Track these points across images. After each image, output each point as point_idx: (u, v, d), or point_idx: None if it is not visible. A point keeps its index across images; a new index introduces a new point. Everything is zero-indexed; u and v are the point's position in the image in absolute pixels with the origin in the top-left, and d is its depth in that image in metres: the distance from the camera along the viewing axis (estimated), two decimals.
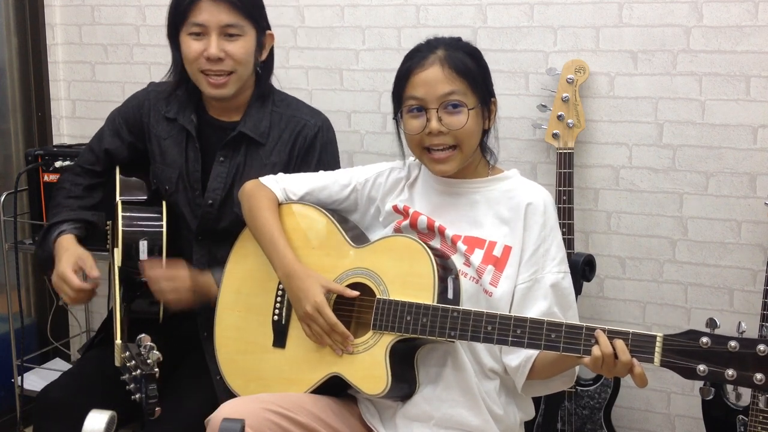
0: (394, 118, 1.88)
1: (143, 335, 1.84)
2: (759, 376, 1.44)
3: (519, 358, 1.75)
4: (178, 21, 2.13)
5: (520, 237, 1.80)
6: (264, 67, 2.21)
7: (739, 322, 1.49)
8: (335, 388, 1.86)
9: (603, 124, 2.54)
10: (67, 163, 2.81)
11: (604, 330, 1.56)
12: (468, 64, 1.80)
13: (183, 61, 2.15)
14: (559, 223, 2.37)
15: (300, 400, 1.81)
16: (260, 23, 2.16)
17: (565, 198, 2.45)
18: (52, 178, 2.83)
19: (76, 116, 3.21)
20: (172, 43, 2.18)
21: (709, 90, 2.42)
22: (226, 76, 2.10)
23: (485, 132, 1.87)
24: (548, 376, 1.77)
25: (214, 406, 1.77)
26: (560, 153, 2.47)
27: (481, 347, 1.78)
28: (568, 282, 1.81)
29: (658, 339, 1.52)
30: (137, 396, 1.86)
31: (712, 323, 1.50)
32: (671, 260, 2.53)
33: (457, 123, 1.78)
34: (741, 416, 2.26)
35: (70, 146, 2.96)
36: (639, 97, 2.48)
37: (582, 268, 2.23)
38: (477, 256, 1.80)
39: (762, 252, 2.42)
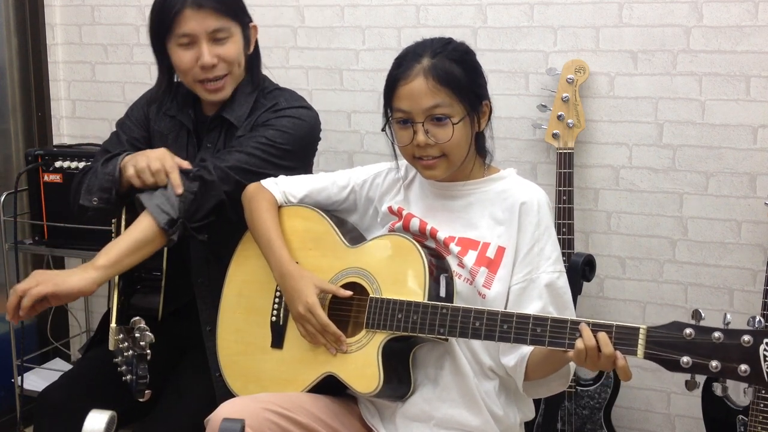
0: (382, 130, 1.86)
1: (137, 318, 1.86)
2: (743, 367, 1.42)
3: (515, 358, 1.75)
4: (162, 33, 2.11)
5: (514, 237, 1.79)
6: (251, 59, 2.21)
7: (725, 314, 1.47)
8: (332, 387, 1.85)
9: (603, 124, 2.53)
10: (66, 163, 2.80)
11: (588, 323, 1.56)
12: (454, 73, 1.76)
13: (176, 71, 2.15)
14: (560, 223, 2.41)
15: (300, 399, 1.81)
16: (243, 19, 2.16)
17: (565, 198, 2.44)
18: (52, 178, 2.82)
19: (76, 116, 3.21)
20: (158, 54, 2.16)
21: (709, 90, 2.41)
22: (222, 80, 2.11)
23: (479, 134, 1.84)
24: (544, 375, 1.76)
25: (214, 405, 1.77)
26: (560, 153, 2.47)
27: (479, 346, 1.78)
28: (563, 281, 1.80)
29: (641, 331, 1.51)
30: (128, 377, 1.86)
31: (696, 315, 1.48)
32: (671, 260, 2.53)
33: (443, 136, 1.76)
34: (741, 416, 2.25)
35: (70, 146, 2.96)
36: (639, 97, 2.48)
37: (582, 268, 2.22)
38: (470, 258, 1.79)
39: (762, 252, 2.42)
